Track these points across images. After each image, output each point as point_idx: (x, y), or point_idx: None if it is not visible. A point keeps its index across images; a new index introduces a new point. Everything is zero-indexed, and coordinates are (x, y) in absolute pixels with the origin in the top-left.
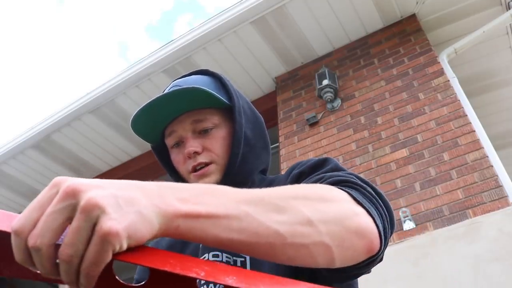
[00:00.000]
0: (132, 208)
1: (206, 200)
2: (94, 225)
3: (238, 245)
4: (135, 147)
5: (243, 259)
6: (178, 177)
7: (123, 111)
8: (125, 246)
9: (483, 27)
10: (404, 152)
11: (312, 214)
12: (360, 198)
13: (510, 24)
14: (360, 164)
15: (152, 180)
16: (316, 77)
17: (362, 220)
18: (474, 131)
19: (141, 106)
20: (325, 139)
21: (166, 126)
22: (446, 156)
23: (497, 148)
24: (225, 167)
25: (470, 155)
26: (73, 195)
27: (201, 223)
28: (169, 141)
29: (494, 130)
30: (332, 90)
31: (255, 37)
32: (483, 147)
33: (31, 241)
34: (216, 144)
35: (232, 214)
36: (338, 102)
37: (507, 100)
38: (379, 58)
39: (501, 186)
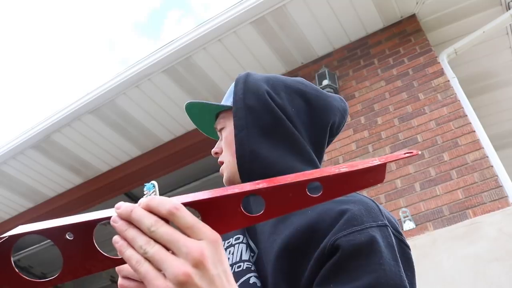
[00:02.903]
0: None
1: None
2: None
3: None
4: (135, 147)
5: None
6: None
7: (123, 111)
8: None
9: (483, 27)
10: None
11: None
12: None
13: (510, 24)
14: None
15: (151, 180)
16: (316, 77)
17: None
18: (474, 131)
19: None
20: None
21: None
22: (446, 156)
23: (497, 148)
24: (236, 165)
25: (470, 155)
26: None
27: None
28: None
29: (494, 130)
30: (332, 90)
31: (255, 37)
32: (483, 147)
33: None
34: (224, 145)
35: None
36: None
37: (507, 100)
38: (379, 58)
39: (501, 186)
